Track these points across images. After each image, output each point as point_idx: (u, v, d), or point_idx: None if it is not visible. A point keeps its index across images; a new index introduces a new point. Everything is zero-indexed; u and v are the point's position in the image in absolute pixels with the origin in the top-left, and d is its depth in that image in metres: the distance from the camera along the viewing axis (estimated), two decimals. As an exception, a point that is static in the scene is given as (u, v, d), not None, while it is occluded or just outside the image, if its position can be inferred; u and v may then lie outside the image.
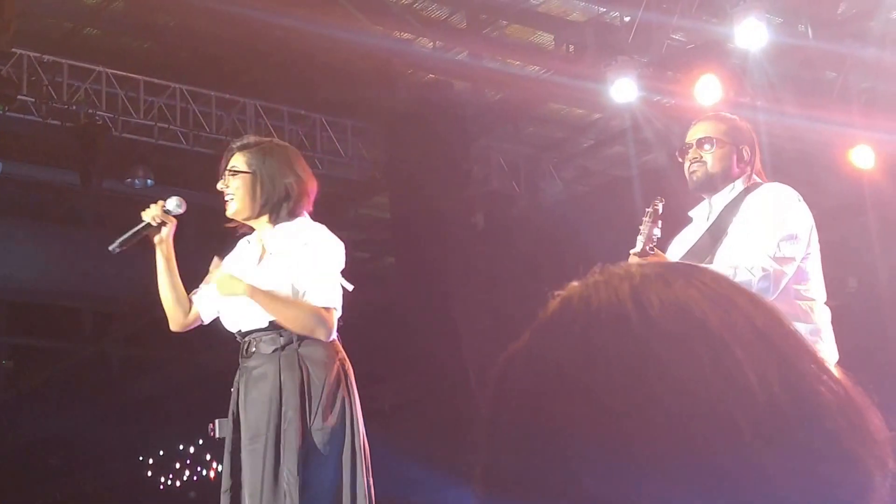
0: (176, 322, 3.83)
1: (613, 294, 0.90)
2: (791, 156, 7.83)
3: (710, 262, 3.24)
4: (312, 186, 3.75)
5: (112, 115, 8.56)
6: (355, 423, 3.57)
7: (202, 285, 3.88)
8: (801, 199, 3.37)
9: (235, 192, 3.65)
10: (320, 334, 3.51)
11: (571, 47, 8.71)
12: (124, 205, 9.10)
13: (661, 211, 3.19)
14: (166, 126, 8.78)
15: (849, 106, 8.40)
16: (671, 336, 0.85)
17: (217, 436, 3.81)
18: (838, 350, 3.29)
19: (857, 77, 8.54)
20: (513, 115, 9.33)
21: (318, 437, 3.47)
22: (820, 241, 3.35)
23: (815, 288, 3.32)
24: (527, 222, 9.44)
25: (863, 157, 8.23)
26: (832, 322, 3.30)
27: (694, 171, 3.43)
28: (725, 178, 3.42)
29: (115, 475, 10.85)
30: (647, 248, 3.12)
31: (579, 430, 0.84)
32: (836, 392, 0.88)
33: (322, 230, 3.66)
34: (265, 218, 3.67)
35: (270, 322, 3.56)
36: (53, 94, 8.32)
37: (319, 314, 3.51)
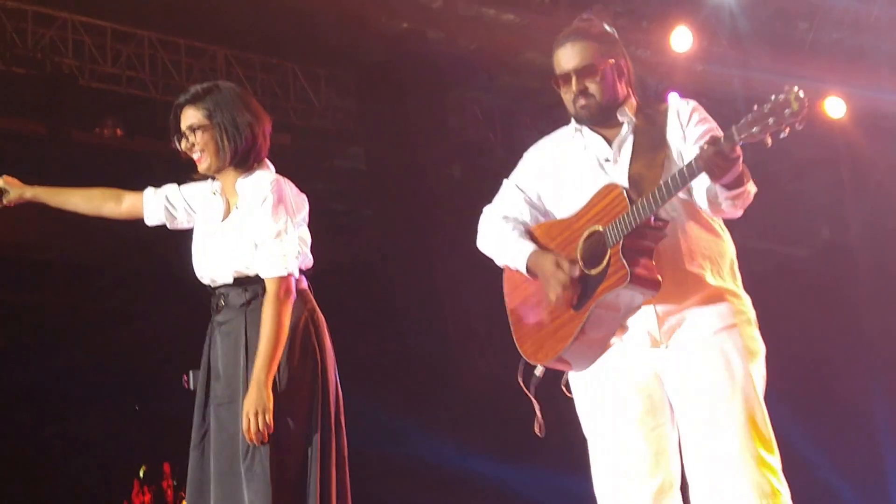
0: (106, 215, 3.90)
1: None
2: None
3: (662, 172, 3.10)
4: (268, 123, 3.71)
5: (79, 64, 8.42)
6: (326, 374, 3.54)
7: (170, 185, 3.87)
8: None
9: (205, 148, 3.58)
10: (290, 305, 3.46)
11: (547, -5, 8.69)
12: (93, 155, 9.04)
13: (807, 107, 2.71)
14: (135, 75, 8.65)
15: (820, 57, 8.48)
16: None
17: (191, 387, 3.83)
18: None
19: (828, 28, 8.61)
20: (488, 65, 9.30)
21: (285, 392, 3.43)
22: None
23: None
24: (503, 172, 9.42)
25: (834, 109, 8.33)
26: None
27: (584, 107, 3.22)
28: (615, 102, 3.24)
29: (87, 428, 10.88)
30: (768, 139, 2.71)
31: None
32: None
33: (281, 186, 3.58)
34: (232, 168, 3.62)
35: (236, 278, 3.54)
36: (18, 41, 8.20)
37: (277, 306, 3.42)
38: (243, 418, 3.37)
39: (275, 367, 3.40)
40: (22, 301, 10.40)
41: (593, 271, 3.06)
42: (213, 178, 3.71)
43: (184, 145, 3.62)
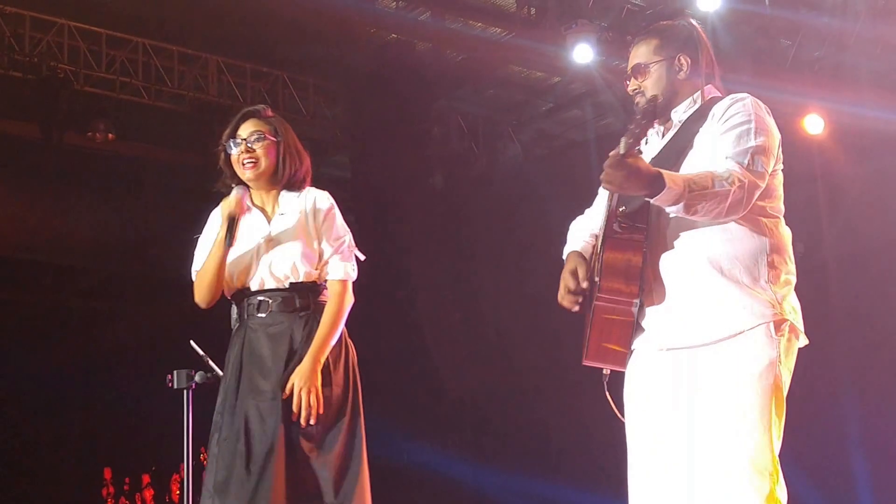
0: (212, 297, 3.72)
1: None
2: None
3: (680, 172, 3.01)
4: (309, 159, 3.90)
5: (74, 69, 8.54)
6: (358, 388, 3.75)
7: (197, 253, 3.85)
8: (769, 110, 3.14)
9: (264, 156, 3.70)
10: (349, 305, 3.71)
11: (533, 10, 8.79)
12: (85, 159, 9.12)
13: (658, 108, 2.86)
14: (128, 80, 8.77)
15: (801, 74, 8.54)
16: None
17: (175, 387, 3.95)
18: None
19: (810, 46, 8.67)
20: (473, 77, 9.38)
21: (327, 402, 3.58)
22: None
23: (779, 205, 3.15)
24: (485, 184, 9.55)
25: (814, 126, 8.38)
26: None
27: (637, 103, 3.16)
28: (668, 100, 3.18)
29: (71, 426, 10.91)
30: (636, 149, 2.78)
31: None
32: None
33: (332, 200, 3.80)
34: (280, 187, 3.77)
35: (291, 283, 3.66)
36: (16, 46, 8.29)
37: (343, 303, 3.68)
38: (296, 393, 3.51)
39: (327, 353, 3.60)
40: (7, 299, 10.45)
41: (597, 278, 3.10)
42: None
43: (241, 147, 3.71)
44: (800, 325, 3.09)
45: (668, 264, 3.07)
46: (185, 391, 4.05)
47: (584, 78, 8.78)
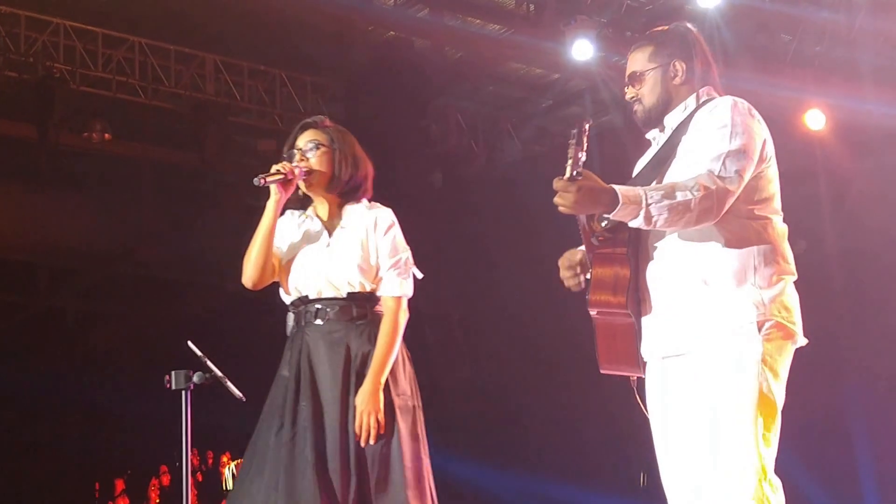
0: (260, 278, 3.69)
1: None
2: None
3: (659, 183, 3.01)
4: (372, 168, 3.89)
5: (70, 68, 8.51)
6: (418, 395, 3.82)
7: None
8: (753, 111, 3.08)
9: (318, 164, 3.70)
10: (405, 322, 3.73)
11: (532, 6, 8.77)
12: (80, 159, 9.10)
13: (587, 132, 2.89)
14: (124, 80, 8.73)
15: (802, 69, 8.53)
16: None
17: (173, 388, 3.95)
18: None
19: (810, 41, 8.66)
20: (472, 74, 9.36)
21: (390, 412, 3.64)
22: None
23: (770, 206, 3.10)
24: (484, 181, 9.53)
25: (815, 121, 8.37)
26: None
27: (635, 112, 3.24)
28: (665, 106, 3.19)
29: (70, 428, 10.90)
30: (574, 172, 2.84)
31: None
32: None
33: (394, 217, 3.81)
34: (337, 196, 3.77)
35: (349, 293, 3.70)
36: (11, 46, 8.26)
37: (398, 320, 3.70)
38: (358, 416, 3.56)
39: (387, 372, 3.65)
40: (2, 301, 10.44)
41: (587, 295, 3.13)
42: (298, 208, 3.82)
43: (297, 157, 3.71)
44: (792, 323, 3.05)
45: (655, 273, 3.08)
46: (183, 392, 4.03)
47: (584, 74, 8.76)
